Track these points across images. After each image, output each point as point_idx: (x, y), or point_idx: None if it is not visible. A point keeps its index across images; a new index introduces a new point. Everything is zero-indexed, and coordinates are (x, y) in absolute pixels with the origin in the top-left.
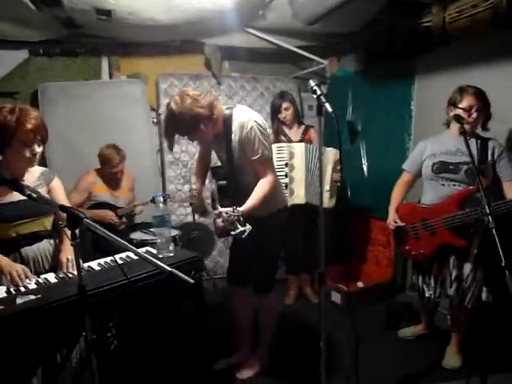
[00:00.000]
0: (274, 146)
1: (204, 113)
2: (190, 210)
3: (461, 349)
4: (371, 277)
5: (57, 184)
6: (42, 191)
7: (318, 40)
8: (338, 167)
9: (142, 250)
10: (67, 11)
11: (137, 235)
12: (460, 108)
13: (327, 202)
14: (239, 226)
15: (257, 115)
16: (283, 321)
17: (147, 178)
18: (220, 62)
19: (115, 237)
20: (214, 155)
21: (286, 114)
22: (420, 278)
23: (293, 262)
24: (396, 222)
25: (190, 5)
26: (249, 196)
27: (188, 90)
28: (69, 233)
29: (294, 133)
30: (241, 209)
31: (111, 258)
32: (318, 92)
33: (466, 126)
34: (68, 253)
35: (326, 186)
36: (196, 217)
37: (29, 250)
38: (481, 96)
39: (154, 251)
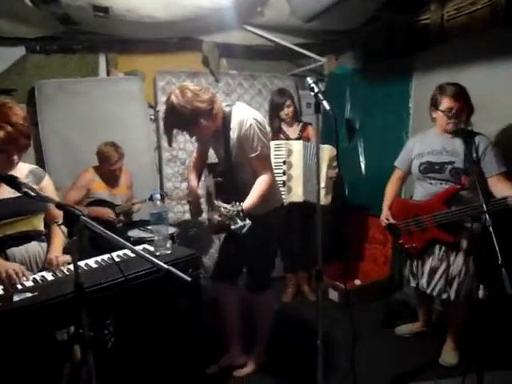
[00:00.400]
0: (272, 144)
1: (204, 107)
2: (187, 207)
3: (457, 346)
4: (368, 275)
5: (48, 183)
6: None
7: (315, 37)
8: (334, 164)
9: (139, 248)
10: (64, 8)
11: (134, 233)
12: (440, 110)
13: (323, 199)
14: (239, 221)
15: (256, 113)
16: (280, 318)
17: (145, 176)
18: (218, 59)
19: (112, 234)
20: (211, 153)
21: (289, 111)
22: (407, 268)
23: (290, 259)
24: (388, 220)
25: (188, 2)
26: (246, 193)
27: (188, 84)
28: (66, 230)
29: (292, 130)
30: (242, 204)
31: (108, 255)
32: (316, 89)
33: (450, 127)
34: (57, 251)
35: (322, 183)
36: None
37: (16, 251)
38: (459, 96)
39: (152, 249)
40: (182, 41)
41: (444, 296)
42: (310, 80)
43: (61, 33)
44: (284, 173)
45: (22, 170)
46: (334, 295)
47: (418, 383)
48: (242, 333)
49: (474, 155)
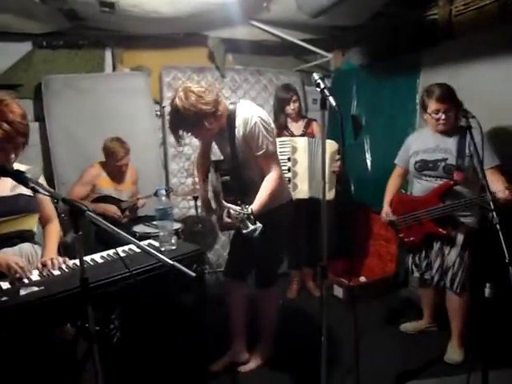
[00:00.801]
0: (277, 141)
1: (208, 109)
2: (193, 203)
3: (463, 343)
4: (374, 271)
5: (43, 183)
6: (26, 190)
7: (322, 33)
8: (336, 158)
9: (144, 243)
10: (70, 3)
11: (139, 228)
12: (428, 113)
13: (326, 194)
14: (250, 225)
15: (261, 110)
16: (285, 314)
17: (150, 171)
18: (223, 54)
19: (117, 230)
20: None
21: (295, 106)
22: (410, 260)
23: (295, 256)
24: (388, 216)
25: None
26: (253, 191)
27: (192, 85)
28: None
29: (297, 126)
30: (250, 207)
31: (114, 250)
32: (322, 85)
33: (441, 128)
34: (52, 253)
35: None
36: (199, 210)
37: (10, 252)
38: (445, 97)
39: (157, 244)
40: (187, 36)
41: (441, 284)
42: (316, 76)
43: (67, 28)
44: (289, 170)
45: (18, 168)
46: (338, 292)
47: (422, 381)
48: (247, 329)
49: (467, 151)
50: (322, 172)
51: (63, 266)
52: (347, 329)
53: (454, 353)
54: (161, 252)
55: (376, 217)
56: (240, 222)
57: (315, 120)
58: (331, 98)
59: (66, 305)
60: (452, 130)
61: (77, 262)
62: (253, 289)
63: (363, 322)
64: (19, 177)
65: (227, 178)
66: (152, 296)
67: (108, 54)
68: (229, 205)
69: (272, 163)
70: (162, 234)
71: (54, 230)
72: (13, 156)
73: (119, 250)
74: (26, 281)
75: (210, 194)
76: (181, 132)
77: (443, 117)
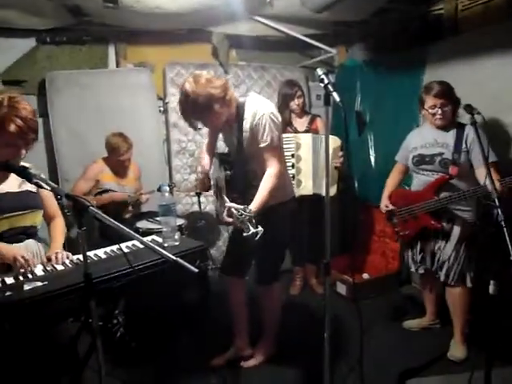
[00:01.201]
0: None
1: (218, 93)
2: (196, 199)
3: (465, 340)
4: (377, 268)
5: None
6: (30, 187)
7: (326, 28)
8: (339, 154)
9: (147, 239)
10: None
11: (143, 224)
12: (425, 109)
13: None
14: (251, 228)
15: (271, 104)
16: (288, 311)
17: (154, 167)
18: (227, 50)
19: (121, 225)
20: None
21: (299, 101)
22: (409, 255)
23: (298, 252)
24: (387, 206)
25: None
26: (256, 186)
27: (201, 72)
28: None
29: (301, 122)
30: (251, 208)
31: (117, 246)
32: (326, 81)
33: (438, 122)
34: (57, 247)
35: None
36: (202, 207)
37: (16, 247)
38: (442, 93)
39: (160, 240)
40: (191, 32)
41: (437, 276)
42: (320, 71)
43: (71, 24)
44: (293, 166)
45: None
46: (342, 289)
47: (425, 378)
48: (249, 325)
49: (464, 146)
50: (325, 168)
51: (67, 261)
52: (350, 326)
53: (456, 349)
54: (164, 248)
55: (379, 214)
56: (241, 223)
57: (319, 116)
58: (335, 94)
59: (70, 300)
60: (450, 126)
61: (80, 257)
62: (256, 285)
63: (366, 318)
64: (23, 173)
65: (230, 172)
66: (155, 292)
67: (111, 50)
68: (231, 204)
69: (274, 158)
70: (165, 229)
71: (59, 226)
72: (23, 152)
73: (123, 245)
74: (29, 276)
75: (213, 188)
76: (193, 119)
77: (439, 111)
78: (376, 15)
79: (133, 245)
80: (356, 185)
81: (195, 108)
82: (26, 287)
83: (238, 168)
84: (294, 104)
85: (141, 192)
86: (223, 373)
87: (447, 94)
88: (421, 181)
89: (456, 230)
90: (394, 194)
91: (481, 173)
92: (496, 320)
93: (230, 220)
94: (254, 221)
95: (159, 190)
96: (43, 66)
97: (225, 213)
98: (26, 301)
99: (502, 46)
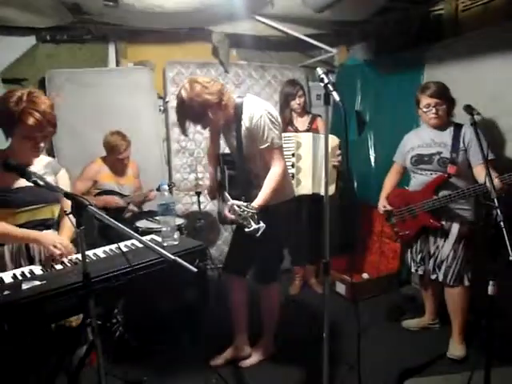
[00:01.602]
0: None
1: (213, 99)
2: (195, 198)
3: (463, 338)
4: (377, 268)
5: (64, 175)
6: (50, 180)
7: (327, 28)
8: (337, 153)
9: (146, 238)
10: None
11: (142, 223)
12: (420, 108)
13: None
14: (253, 224)
15: (268, 104)
16: (287, 310)
17: (153, 167)
18: (227, 49)
19: (120, 224)
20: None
21: (301, 101)
22: (409, 255)
23: (298, 252)
24: (385, 207)
25: None
26: (257, 185)
27: (197, 77)
28: (74, 220)
29: (302, 122)
30: (254, 204)
31: (116, 245)
32: (326, 80)
33: (432, 122)
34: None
35: (323, 173)
36: (202, 206)
37: None
38: (436, 93)
39: (159, 239)
40: (191, 31)
41: (433, 277)
42: (320, 71)
43: (71, 22)
44: (293, 165)
45: (43, 160)
46: (341, 288)
47: (425, 378)
48: (249, 324)
49: (462, 145)
50: (324, 168)
51: (78, 255)
52: (349, 325)
53: (455, 348)
54: (163, 247)
55: (379, 213)
56: (243, 219)
57: (320, 116)
58: (335, 93)
59: (68, 299)
60: (446, 125)
61: (79, 256)
62: (255, 285)
63: (365, 318)
64: (23, 171)
65: (232, 171)
66: (154, 291)
67: (111, 49)
68: (234, 201)
69: (276, 157)
70: (164, 229)
71: (68, 222)
72: (42, 145)
73: (122, 244)
74: (28, 275)
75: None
76: (187, 124)
77: (433, 111)
78: (377, 15)
79: (132, 244)
80: (356, 185)
81: (191, 114)
82: (24, 286)
83: (240, 168)
84: (296, 103)
85: (149, 190)
86: (222, 372)
87: (442, 93)
88: (419, 180)
89: (454, 229)
90: (392, 195)
91: (479, 171)
92: (495, 320)
93: (233, 217)
94: (256, 217)
95: (158, 189)
96: (43, 64)
97: (226, 210)
98: (23, 300)
99: (502, 46)
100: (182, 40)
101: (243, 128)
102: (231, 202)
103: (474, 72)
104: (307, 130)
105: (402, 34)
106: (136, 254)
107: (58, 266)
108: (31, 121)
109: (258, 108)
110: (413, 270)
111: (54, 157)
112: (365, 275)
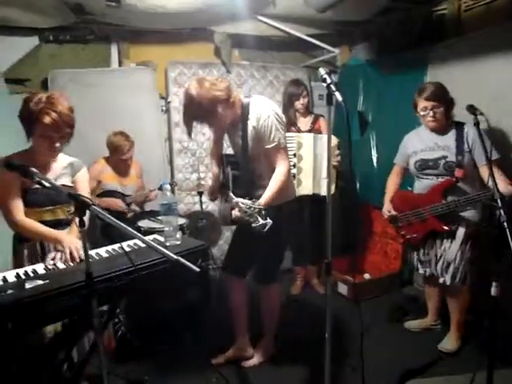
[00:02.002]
0: None
1: (222, 96)
2: (197, 198)
3: (461, 337)
4: (379, 269)
5: (82, 175)
6: (66, 181)
7: (329, 28)
8: (336, 152)
9: (149, 238)
10: None
11: (144, 223)
12: (418, 111)
13: (325, 189)
14: (260, 220)
15: (274, 105)
16: (289, 311)
17: (156, 167)
18: (230, 50)
19: (122, 224)
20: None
21: (304, 101)
22: (415, 257)
23: (300, 253)
24: (390, 212)
25: None
26: (261, 185)
27: (204, 76)
28: (77, 220)
29: (305, 122)
30: (261, 201)
31: (119, 245)
32: (329, 80)
33: (430, 124)
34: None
35: (324, 174)
36: (204, 206)
37: None
38: (433, 95)
39: (162, 239)
40: (193, 31)
41: (441, 280)
42: (322, 71)
43: (73, 23)
44: (294, 166)
45: (63, 160)
46: (343, 289)
47: (426, 379)
48: (250, 325)
49: (466, 146)
50: (327, 168)
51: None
52: (351, 326)
53: (448, 342)
54: (165, 247)
55: (381, 214)
56: (249, 216)
57: (323, 116)
58: (337, 94)
59: (71, 299)
60: (447, 127)
61: (82, 255)
62: (255, 285)
63: (367, 319)
64: (26, 171)
65: (236, 172)
66: (156, 291)
67: (114, 49)
68: (239, 199)
69: (282, 157)
70: (166, 229)
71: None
72: (58, 145)
73: (124, 244)
74: (31, 274)
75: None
76: (194, 123)
77: (431, 113)
78: (379, 15)
79: (134, 244)
80: (358, 185)
81: (200, 111)
82: (27, 285)
83: (244, 168)
84: (299, 103)
85: (150, 190)
86: (223, 372)
87: (439, 96)
88: (424, 184)
89: (460, 231)
90: (397, 198)
91: (485, 171)
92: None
93: (238, 214)
94: (263, 213)
95: (161, 188)
96: (46, 64)
97: (230, 208)
98: (26, 299)
99: (504, 46)
100: (184, 40)
101: (250, 128)
102: (236, 199)
103: (476, 72)
104: (309, 131)
105: (405, 34)
106: (138, 254)
107: (61, 266)
108: (47, 120)
109: (265, 108)
110: (420, 271)
111: None
112: (367, 275)
